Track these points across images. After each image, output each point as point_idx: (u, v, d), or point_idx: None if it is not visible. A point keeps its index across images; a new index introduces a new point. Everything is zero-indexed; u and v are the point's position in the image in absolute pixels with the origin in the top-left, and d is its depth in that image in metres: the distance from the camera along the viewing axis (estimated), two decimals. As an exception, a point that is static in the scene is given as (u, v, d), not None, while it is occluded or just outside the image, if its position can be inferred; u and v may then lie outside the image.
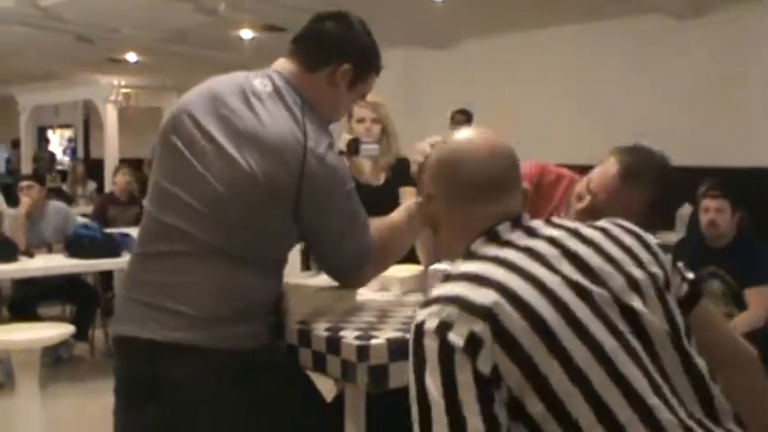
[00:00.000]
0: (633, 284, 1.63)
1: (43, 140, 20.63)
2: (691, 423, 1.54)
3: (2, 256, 5.99)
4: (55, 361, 6.46)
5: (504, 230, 1.70)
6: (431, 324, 1.53)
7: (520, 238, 1.68)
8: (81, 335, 6.51)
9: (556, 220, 1.78)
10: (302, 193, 2.15)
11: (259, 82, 2.29)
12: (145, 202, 2.39)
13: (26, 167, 15.52)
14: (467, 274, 1.61)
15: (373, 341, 2.07)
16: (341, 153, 2.51)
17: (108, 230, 6.80)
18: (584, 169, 2.58)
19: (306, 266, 3.15)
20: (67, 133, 21.32)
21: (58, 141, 21.45)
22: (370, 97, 4.25)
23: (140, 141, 11.85)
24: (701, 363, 1.63)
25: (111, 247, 6.33)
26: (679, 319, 1.66)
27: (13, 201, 7.69)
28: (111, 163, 12.76)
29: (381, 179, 4.28)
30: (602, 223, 1.77)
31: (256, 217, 2.16)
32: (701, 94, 8.79)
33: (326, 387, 2.44)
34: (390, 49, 11.54)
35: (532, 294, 1.54)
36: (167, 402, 2.15)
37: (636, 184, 2.41)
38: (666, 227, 7.45)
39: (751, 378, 1.83)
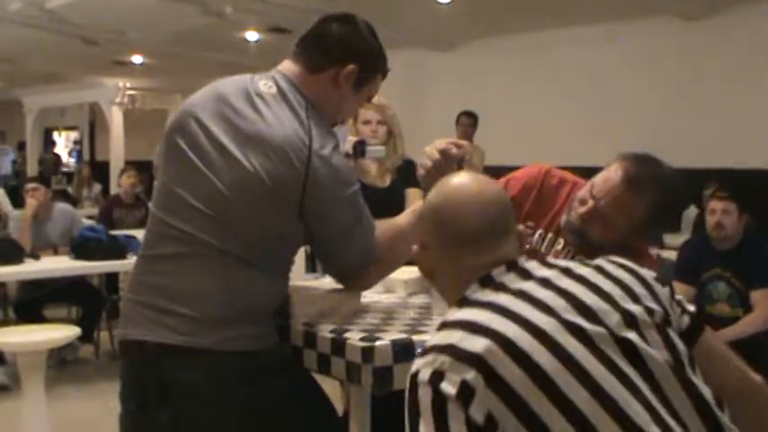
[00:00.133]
0: (629, 319, 1.61)
1: (49, 143, 20.68)
2: None
3: (8, 257, 6.00)
4: (60, 363, 6.46)
5: (499, 274, 1.68)
6: (424, 375, 1.53)
7: (513, 280, 1.67)
8: (86, 337, 6.50)
9: (550, 260, 1.78)
10: (307, 194, 2.15)
11: (263, 84, 2.28)
12: (150, 205, 2.39)
13: (32, 169, 15.55)
14: (460, 321, 1.60)
15: (378, 343, 2.07)
16: (347, 155, 2.51)
17: (113, 232, 6.81)
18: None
19: (310, 269, 3.15)
20: (73, 135, 21.38)
21: (63, 143, 21.50)
22: (375, 99, 4.26)
23: (146, 144, 11.85)
24: (705, 391, 1.61)
25: (117, 250, 6.34)
26: (681, 348, 1.64)
27: (19, 203, 7.70)
28: (116, 165, 12.79)
29: (387, 181, 4.28)
30: (596, 261, 1.76)
31: (261, 219, 2.16)
32: (709, 95, 8.78)
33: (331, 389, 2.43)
34: (395, 50, 11.49)
35: (527, 340, 1.52)
36: (176, 406, 2.15)
37: (639, 192, 2.41)
38: (672, 229, 7.44)
39: (759, 407, 1.80)
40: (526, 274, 1.68)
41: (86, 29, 10.98)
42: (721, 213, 4.89)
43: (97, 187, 12.69)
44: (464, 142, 2.51)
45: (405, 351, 2.06)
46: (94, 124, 19.59)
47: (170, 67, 13.80)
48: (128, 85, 14.19)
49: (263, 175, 2.13)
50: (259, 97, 2.24)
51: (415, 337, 2.11)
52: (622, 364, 1.54)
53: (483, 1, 9.08)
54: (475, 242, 1.72)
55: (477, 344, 1.51)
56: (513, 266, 1.70)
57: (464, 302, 1.67)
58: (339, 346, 2.14)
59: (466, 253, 1.72)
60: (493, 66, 10.84)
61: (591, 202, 2.46)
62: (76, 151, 21.14)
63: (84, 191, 12.59)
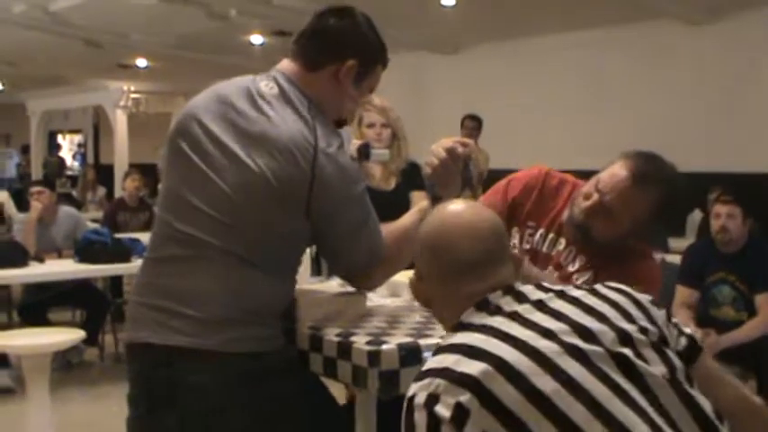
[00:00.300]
0: (623, 337, 1.61)
1: (54, 146, 20.70)
2: None
3: (12, 260, 6.00)
4: (65, 366, 6.46)
5: (495, 298, 1.69)
6: (420, 398, 1.54)
7: (509, 303, 1.67)
8: (91, 340, 6.51)
9: (545, 284, 1.77)
10: (314, 193, 2.15)
11: (264, 85, 2.28)
12: (156, 208, 2.39)
13: (36, 173, 15.57)
14: (456, 345, 1.61)
15: (384, 347, 2.07)
16: (351, 158, 2.50)
17: (118, 236, 6.82)
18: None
19: (315, 272, 3.15)
20: (77, 138, 21.41)
21: (68, 147, 21.53)
22: (379, 102, 4.28)
23: (150, 147, 11.87)
24: (704, 402, 1.62)
25: (122, 253, 6.34)
26: (678, 364, 1.64)
27: (23, 206, 7.70)
28: (120, 168, 12.81)
29: (392, 184, 4.28)
30: (591, 285, 1.77)
31: (268, 219, 2.16)
32: (713, 99, 8.78)
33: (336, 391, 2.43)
34: (400, 53, 11.55)
35: (524, 361, 1.53)
36: (183, 408, 2.15)
37: (644, 188, 2.42)
38: (677, 233, 7.44)
39: (759, 429, 1.80)
40: (522, 298, 1.69)
41: (90, 32, 11.00)
42: (726, 217, 4.89)
43: (101, 190, 12.70)
44: (470, 141, 2.51)
45: (411, 355, 2.06)
46: (98, 127, 19.63)
47: (174, 70, 13.81)
48: (132, 88, 14.21)
49: (268, 176, 2.12)
50: (261, 98, 2.24)
51: (422, 341, 2.11)
52: (619, 380, 1.55)
53: (487, 5, 9.09)
54: (471, 271, 1.72)
55: (474, 367, 1.52)
56: (509, 290, 1.70)
57: (460, 327, 1.68)
58: (345, 349, 2.14)
59: (463, 282, 1.72)
60: (497, 69, 10.85)
61: (596, 196, 2.47)
62: (81, 154, 21.17)
63: (89, 194, 12.60)
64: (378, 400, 2.16)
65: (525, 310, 1.65)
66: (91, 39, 11.24)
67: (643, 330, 1.64)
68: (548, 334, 1.58)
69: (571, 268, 2.59)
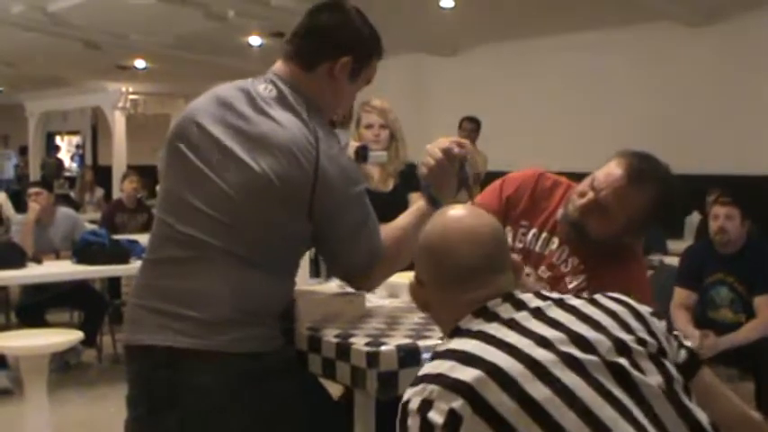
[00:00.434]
0: (620, 346, 1.60)
1: (52, 147, 20.70)
2: None
3: (10, 262, 5.99)
4: (62, 367, 6.46)
5: (494, 305, 1.68)
6: (414, 404, 1.54)
7: (507, 311, 1.67)
8: (89, 341, 6.49)
9: (544, 292, 1.77)
10: (316, 194, 2.15)
11: (263, 87, 2.29)
12: (155, 209, 2.38)
13: (35, 174, 15.55)
14: (452, 351, 1.61)
15: (383, 348, 2.07)
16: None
17: (116, 237, 6.81)
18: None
19: (314, 273, 3.15)
20: (75, 140, 21.41)
21: (66, 148, 21.53)
22: (378, 103, 4.28)
23: (148, 148, 11.86)
24: (701, 415, 1.61)
25: (120, 254, 6.34)
26: (675, 376, 1.64)
27: (21, 207, 7.69)
28: (118, 170, 12.77)
29: (390, 185, 4.29)
30: (590, 295, 1.77)
31: (269, 219, 2.16)
32: (711, 101, 8.79)
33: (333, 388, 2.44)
34: (399, 55, 11.57)
35: (518, 369, 1.52)
36: (185, 409, 2.15)
37: (640, 186, 2.43)
38: (676, 235, 7.45)
39: None
40: (521, 305, 1.68)
41: (89, 33, 11.00)
42: (724, 218, 4.89)
43: (99, 192, 12.68)
44: (466, 141, 2.52)
45: (410, 356, 2.06)
46: (97, 129, 19.62)
47: (172, 71, 13.82)
48: (130, 89, 14.18)
49: (271, 177, 2.13)
50: (261, 100, 2.25)
51: (421, 342, 2.11)
52: (614, 390, 1.54)
53: (486, 7, 9.10)
54: (471, 278, 1.72)
55: (468, 373, 1.52)
56: (508, 298, 1.70)
57: (456, 332, 1.68)
58: (344, 350, 2.14)
59: (463, 290, 1.71)
60: (495, 71, 10.86)
61: (591, 194, 2.47)
62: (79, 156, 21.18)
63: (87, 195, 12.58)
64: (376, 400, 2.16)
65: (522, 317, 1.64)
66: (89, 39, 11.24)
67: (641, 341, 1.63)
68: (544, 342, 1.57)
69: (564, 269, 2.60)
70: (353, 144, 3.71)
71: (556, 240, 2.64)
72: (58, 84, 15.65)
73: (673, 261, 5.65)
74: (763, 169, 8.22)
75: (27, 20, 10.20)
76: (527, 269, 2.59)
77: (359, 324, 2.32)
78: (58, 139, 21.54)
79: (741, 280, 4.86)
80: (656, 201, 2.44)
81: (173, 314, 2.15)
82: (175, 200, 2.25)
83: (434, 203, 2.40)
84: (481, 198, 2.75)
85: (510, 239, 2.67)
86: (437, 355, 1.63)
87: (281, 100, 2.25)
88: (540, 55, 10.25)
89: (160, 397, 2.17)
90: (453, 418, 1.49)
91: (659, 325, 1.72)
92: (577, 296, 1.75)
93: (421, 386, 1.56)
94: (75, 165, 20.57)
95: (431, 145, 2.42)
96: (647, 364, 1.61)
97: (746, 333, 4.72)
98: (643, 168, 2.44)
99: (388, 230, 2.40)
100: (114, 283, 7.53)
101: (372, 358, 2.06)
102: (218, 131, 2.22)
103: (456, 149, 2.40)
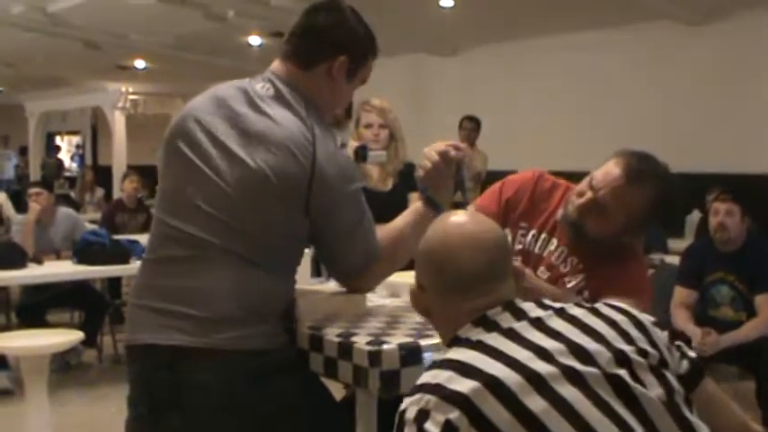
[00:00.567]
0: (620, 357, 1.59)
1: (52, 147, 20.70)
2: None
3: (11, 262, 5.99)
4: (63, 367, 6.46)
5: (494, 314, 1.67)
6: (410, 414, 1.54)
7: (507, 320, 1.66)
8: (89, 341, 6.50)
9: (545, 301, 1.76)
10: (313, 191, 2.16)
11: (261, 86, 2.30)
12: (153, 209, 2.39)
13: (35, 174, 15.56)
14: (450, 361, 1.60)
15: (385, 347, 2.07)
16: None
17: (116, 237, 6.81)
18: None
19: (316, 273, 3.15)
20: (75, 140, 21.41)
21: (66, 148, 21.53)
22: (378, 103, 4.28)
23: (148, 148, 11.86)
24: (702, 427, 1.61)
25: (120, 254, 6.34)
26: (677, 388, 1.63)
27: (21, 207, 7.69)
28: (119, 169, 12.78)
29: (389, 185, 4.29)
30: (591, 304, 1.76)
31: (267, 217, 2.16)
32: (711, 100, 8.79)
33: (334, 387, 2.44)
34: (398, 55, 11.57)
35: (516, 381, 1.52)
36: (188, 407, 2.14)
37: (638, 185, 2.44)
38: (676, 234, 7.45)
39: None
40: (521, 314, 1.67)
41: (89, 33, 11.00)
42: (724, 214, 4.89)
43: (100, 192, 12.68)
44: (463, 145, 2.54)
45: (412, 355, 2.06)
46: (97, 129, 19.63)
47: (172, 71, 13.82)
48: (130, 89, 14.20)
49: (267, 172, 2.13)
50: (259, 98, 2.26)
51: (422, 341, 2.11)
52: (614, 403, 1.53)
53: (485, 6, 9.09)
54: (473, 286, 1.71)
55: (465, 384, 1.51)
56: (508, 306, 1.69)
57: (456, 341, 1.67)
58: (346, 349, 2.13)
59: (464, 298, 1.71)
60: (495, 70, 10.86)
61: (590, 194, 2.49)
62: (79, 156, 21.19)
63: (87, 195, 12.58)
64: (378, 399, 2.16)
65: (522, 327, 1.63)
66: (89, 40, 11.24)
67: (642, 352, 1.62)
68: (544, 354, 1.56)
69: (563, 269, 2.61)
70: (353, 143, 3.71)
71: (555, 241, 2.65)
72: (58, 84, 15.65)
73: (673, 260, 5.65)
74: (762, 168, 8.22)
75: (27, 20, 10.20)
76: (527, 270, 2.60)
77: (360, 323, 2.32)
78: (58, 140, 21.55)
79: (741, 278, 4.86)
80: (655, 200, 2.45)
81: (173, 313, 2.15)
82: (174, 199, 2.25)
83: (432, 205, 2.41)
84: (481, 201, 2.77)
85: (509, 241, 2.68)
86: (435, 365, 1.62)
87: (279, 98, 2.26)
88: (539, 55, 10.25)
89: (161, 398, 2.17)
90: (449, 428, 1.48)
91: (661, 335, 1.71)
92: (579, 305, 1.74)
93: (418, 396, 1.55)
94: (75, 165, 20.57)
95: (428, 148, 2.43)
96: (648, 376, 1.60)
97: (748, 331, 4.72)
98: (641, 168, 2.45)
99: (385, 231, 2.41)
100: (114, 283, 7.53)
101: (374, 357, 2.05)
102: (216, 129, 2.23)
103: (453, 152, 2.41)
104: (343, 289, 2.56)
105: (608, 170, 2.48)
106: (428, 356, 2.06)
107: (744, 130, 8.55)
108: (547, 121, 10.16)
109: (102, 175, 13.80)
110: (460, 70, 11.35)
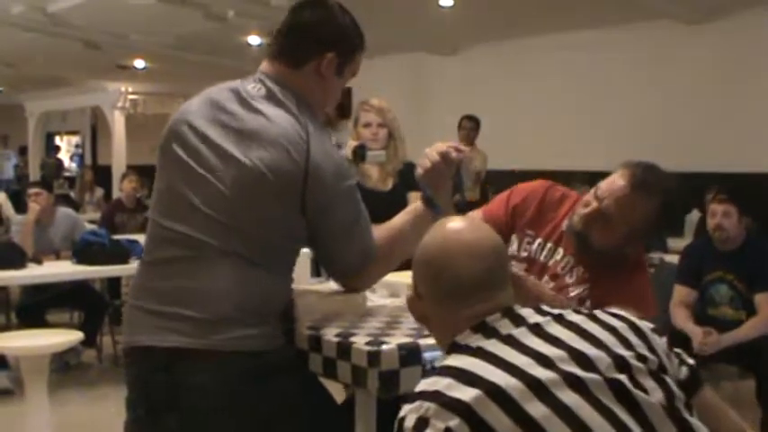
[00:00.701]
0: (620, 363, 1.59)
1: (52, 147, 20.70)
2: None
3: (10, 262, 5.99)
4: (63, 367, 6.46)
5: (493, 320, 1.67)
6: (410, 421, 1.53)
7: (506, 326, 1.65)
8: (89, 341, 6.49)
9: (544, 307, 1.75)
10: (308, 187, 2.16)
11: (252, 86, 2.30)
12: (149, 211, 2.39)
13: (34, 174, 15.55)
14: (449, 368, 1.59)
15: (384, 347, 2.07)
16: (347, 160, 2.51)
17: (116, 237, 6.80)
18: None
19: (315, 273, 3.15)
20: (75, 140, 21.40)
21: (65, 148, 21.53)
22: (377, 102, 4.28)
23: (148, 148, 11.84)
24: (702, 429, 1.60)
25: (120, 254, 6.33)
26: (677, 392, 1.63)
27: (21, 207, 7.68)
28: (118, 169, 12.77)
29: (389, 185, 4.28)
30: (590, 310, 1.75)
31: (264, 216, 2.16)
32: (711, 99, 8.79)
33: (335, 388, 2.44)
34: (398, 54, 11.56)
35: (517, 387, 1.51)
36: (185, 409, 2.14)
37: (643, 196, 2.46)
38: (675, 233, 7.45)
39: None
40: (519, 321, 1.67)
41: (88, 33, 11.00)
42: (722, 215, 4.89)
43: (99, 192, 12.67)
44: (464, 147, 2.54)
45: (411, 355, 2.06)
46: (96, 128, 19.61)
47: (172, 71, 13.82)
48: (130, 89, 14.19)
49: (262, 169, 2.13)
50: (251, 98, 2.26)
51: (422, 341, 2.11)
52: (615, 408, 1.53)
53: (485, 5, 9.09)
54: (471, 294, 1.70)
55: (466, 393, 1.51)
56: (507, 313, 1.68)
57: (454, 348, 1.66)
58: (345, 350, 2.14)
59: (462, 306, 1.70)
60: (495, 70, 10.85)
61: (594, 204, 2.51)
62: (78, 156, 21.17)
63: (87, 195, 12.57)
64: (377, 399, 2.16)
65: (521, 333, 1.63)
66: (89, 40, 11.23)
67: (641, 358, 1.62)
68: (544, 360, 1.56)
69: (568, 279, 2.62)
70: (351, 143, 3.70)
71: (560, 251, 2.66)
72: (58, 84, 15.65)
73: (673, 259, 5.65)
74: (762, 167, 8.22)
75: (27, 20, 10.19)
76: (531, 277, 2.61)
77: (359, 323, 2.32)
78: (57, 139, 21.54)
79: (741, 277, 4.86)
80: (659, 211, 2.48)
81: (170, 315, 2.15)
82: (170, 200, 2.25)
83: (431, 205, 2.41)
84: (488, 207, 2.80)
85: (515, 247, 2.71)
86: (434, 371, 1.62)
87: (271, 97, 2.26)
88: (539, 54, 10.25)
89: (159, 399, 2.17)
90: None
91: (660, 342, 1.71)
92: (577, 311, 1.73)
93: (417, 403, 1.54)
94: (74, 165, 20.56)
95: (429, 149, 2.44)
96: (648, 381, 1.60)
97: (747, 331, 4.71)
98: (646, 179, 2.48)
99: (382, 230, 2.41)
100: (114, 283, 7.52)
101: (373, 357, 2.05)
102: (210, 131, 2.23)
103: (453, 154, 2.41)
104: (343, 289, 2.56)
105: (613, 181, 2.51)
106: (428, 356, 2.06)
107: (744, 130, 8.55)
108: (546, 121, 10.15)
109: (102, 175, 13.78)
110: (460, 69, 11.34)
